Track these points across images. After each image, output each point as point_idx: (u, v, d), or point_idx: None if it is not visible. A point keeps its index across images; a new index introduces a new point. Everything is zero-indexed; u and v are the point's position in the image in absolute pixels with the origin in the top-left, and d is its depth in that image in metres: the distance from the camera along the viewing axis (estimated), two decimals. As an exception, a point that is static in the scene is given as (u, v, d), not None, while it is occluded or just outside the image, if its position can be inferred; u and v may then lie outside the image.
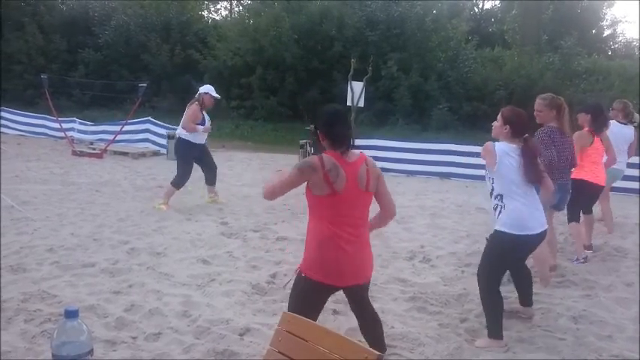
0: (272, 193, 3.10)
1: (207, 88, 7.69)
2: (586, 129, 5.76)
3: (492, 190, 3.81)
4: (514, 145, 3.76)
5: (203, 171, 7.94)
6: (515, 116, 3.81)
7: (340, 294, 3.42)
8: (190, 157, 7.63)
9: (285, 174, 3.05)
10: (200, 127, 7.51)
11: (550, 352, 3.79)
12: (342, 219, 2.99)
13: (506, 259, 3.90)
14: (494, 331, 3.86)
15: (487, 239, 4.02)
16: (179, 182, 7.60)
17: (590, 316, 4.34)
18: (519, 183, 3.72)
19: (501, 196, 3.75)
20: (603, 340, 3.98)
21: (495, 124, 3.90)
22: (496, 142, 3.80)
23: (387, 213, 3.26)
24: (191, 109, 7.49)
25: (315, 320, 3.09)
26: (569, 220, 5.83)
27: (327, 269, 2.98)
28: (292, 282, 3.22)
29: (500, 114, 3.89)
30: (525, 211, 3.71)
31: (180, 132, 7.60)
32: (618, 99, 7.09)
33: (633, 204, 8.65)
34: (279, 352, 2.11)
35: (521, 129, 3.78)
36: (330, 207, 2.96)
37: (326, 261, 2.97)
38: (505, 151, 3.72)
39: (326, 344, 1.98)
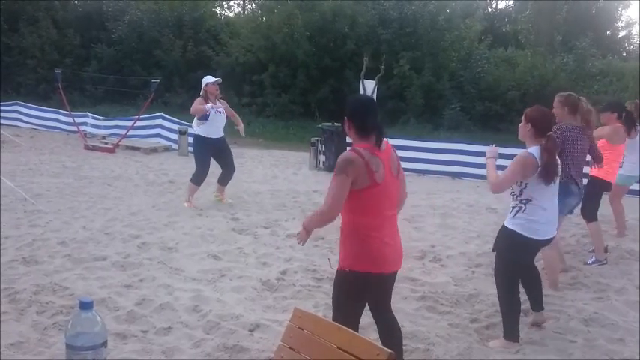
0: (334, 209, 2.91)
1: (204, 80, 7.54)
2: (618, 125, 5.71)
3: (519, 193, 3.73)
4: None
5: (221, 169, 7.80)
6: (538, 115, 3.76)
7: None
8: (205, 152, 7.52)
9: (330, 188, 2.90)
10: (207, 106, 7.22)
11: (560, 354, 3.77)
12: (381, 208, 2.97)
13: (517, 257, 3.87)
14: (511, 332, 3.85)
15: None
16: (196, 179, 7.55)
17: (601, 319, 4.30)
18: (549, 188, 3.71)
19: (528, 200, 3.70)
20: (614, 343, 3.95)
21: (520, 125, 3.86)
22: (531, 150, 3.70)
23: (403, 197, 3.22)
24: (196, 100, 7.41)
25: (361, 314, 3.11)
26: (589, 220, 5.78)
27: (374, 258, 2.95)
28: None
29: (523, 114, 3.85)
30: (543, 218, 3.72)
31: (194, 127, 7.59)
32: (630, 100, 7.02)
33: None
34: (290, 348, 2.11)
35: (543, 128, 3.72)
36: (371, 198, 2.91)
37: (372, 251, 2.94)
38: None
39: (337, 341, 1.98)
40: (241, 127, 7.93)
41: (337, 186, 2.86)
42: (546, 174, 3.64)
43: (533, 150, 3.68)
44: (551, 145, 3.71)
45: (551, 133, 3.76)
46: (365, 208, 2.91)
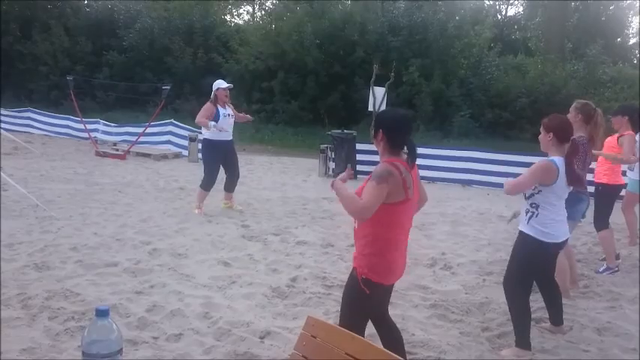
0: (365, 213, 2.78)
1: (216, 84, 7.57)
2: (630, 132, 5.67)
3: (529, 196, 3.74)
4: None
5: (225, 174, 7.84)
6: (557, 123, 3.77)
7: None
8: (213, 156, 7.56)
9: (368, 192, 2.79)
10: (211, 123, 7.28)
11: (574, 363, 3.74)
12: (405, 223, 2.99)
13: (532, 263, 3.84)
14: (522, 340, 3.81)
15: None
16: (205, 184, 7.58)
17: (614, 329, 4.27)
18: (561, 195, 3.72)
19: (537, 205, 3.70)
20: (628, 352, 3.91)
21: (540, 136, 3.85)
22: (553, 158, 3.69)
23: (424, 199, 3.24)
24: (204, 106, 7.49)
25: (366, 326, 3.10)
26: (600, 228, 5.73)
27: (390, 272, 2.99)
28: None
29: (541, 125, 3.84)
30: (554, 221, 3.71)
31: (203, 132, 7.66)
32: None
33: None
34: (304, 357, 2.10)
35: (565, 134, 3.73)
36: (400, 213, 2.91)
37: (390, 265, 2.97)
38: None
39: (351, 349, 1.97)
40: (247, 117, 8.01)
41: (377, 194, 2.77)
42: (569, 177, 3.66)
43: (556, 159, 3.67)
44: (575, 148, 3.73)
45: (574, 137, 3.76)
46: (392, 222, 2.91)
